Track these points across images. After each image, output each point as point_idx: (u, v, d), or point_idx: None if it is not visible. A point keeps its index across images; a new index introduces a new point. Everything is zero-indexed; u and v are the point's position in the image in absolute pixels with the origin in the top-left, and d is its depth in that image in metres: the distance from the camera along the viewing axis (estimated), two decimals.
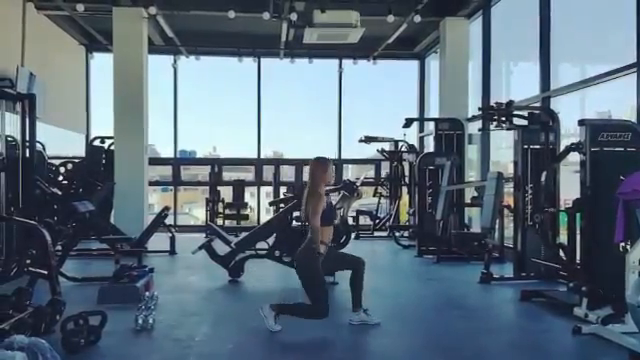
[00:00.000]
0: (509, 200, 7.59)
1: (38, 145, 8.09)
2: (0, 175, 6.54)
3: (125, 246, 7.86)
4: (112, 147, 10.14)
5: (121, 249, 7.67)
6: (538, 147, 6.92)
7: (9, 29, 8.86)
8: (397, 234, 10.43)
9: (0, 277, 5.73)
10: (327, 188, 4.92)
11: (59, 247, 6.27)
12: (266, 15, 9.46)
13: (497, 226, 7.58)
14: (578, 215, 5.22)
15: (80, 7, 9.23)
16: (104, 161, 10.45)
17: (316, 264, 4.65)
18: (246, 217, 12.23)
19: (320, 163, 4.86)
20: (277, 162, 12.96)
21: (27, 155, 6.90)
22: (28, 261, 5.42)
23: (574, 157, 5.50)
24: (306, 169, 13.12)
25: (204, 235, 9.46)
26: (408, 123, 10.28)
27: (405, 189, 11.44)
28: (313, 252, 4.61)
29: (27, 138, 6.90)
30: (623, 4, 6.75)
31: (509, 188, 7.59)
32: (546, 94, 7.88)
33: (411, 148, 11.37)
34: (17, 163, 6.81)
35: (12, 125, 6.86)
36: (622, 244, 4.42)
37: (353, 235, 9.38)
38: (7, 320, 3.96)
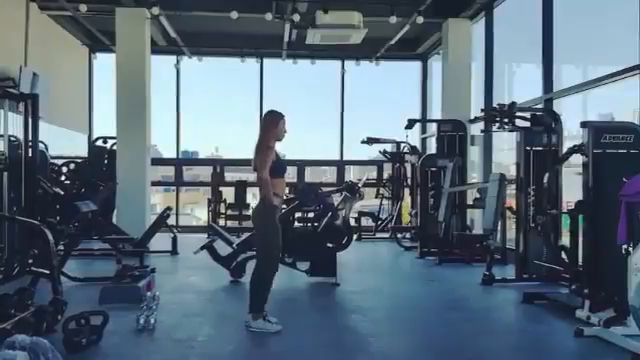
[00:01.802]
0: (511, 202, 7.58)
1: (41, 145, 8.09)
2: (3, 175, 6.54)
3: (127, 246, 7.86)
4: (114, 147, 10.15)
5: (123, 249, 7.68)
6: (540, 149, 6.91)
7: (12, 29, 8.87)
8: (399, 235, 10.42)
9: (2, 276, 5.73)
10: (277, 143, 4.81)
11: (61, 247, 6.28)
12: (269, 16, 9.47)
13: (499, 228, 7.57)
14: (580, 217, 5.20)
15: (83, 7, 9.24)
16: (106, 161, 10.45)
17: (271, 217, 4.62)
18: (248, 218, 12.22)
19: (272, 117, 4.81)
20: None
21: (30, 155, 6.90)
22: (30, 261, 5.43)
23: (577, 159, 5.49)
24: (308, 169, 13.23)
25: (206, 235, 9.47)
26: (410, 124, 10.27)
27: (407, 190, 11.43)
28: (267, 205, 4.58)
29: (30, 138, 6.90)
30: (626, 5, 6.74)
31: (511, 190, 7.57)
32: (549, 96, 7.87)
33: (413, 149, 11.35)
34: (20, 163, 6.82)
35: (15, 125, 6.87)
36: (625, 246, 4.40)
37: (355, 236, 9.37)
38: (9, 319, 3.97)
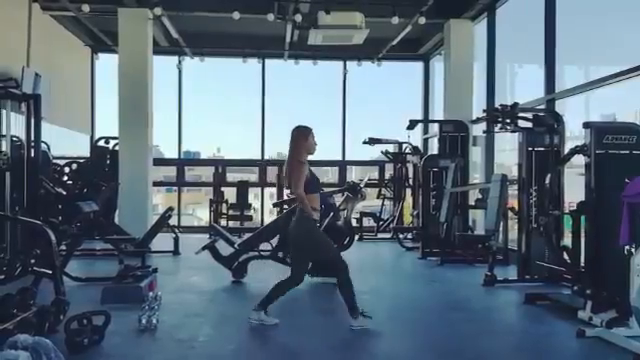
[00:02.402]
0: (513, 202, 7.57)
1: (43, 145, 8.11)
2: (5, 175, 6.56)
3: (129, 246, 7.87)
4: (117, 147, 10.17)
5: (125, 249, 7.70)
6: (543, 149, 6.91)
7: (15, 29, 8.89)
8: (401, 236, 10.42)
9: (5, 276, 5.74)
10: (309, 159, 4.80)
11: (63, 247, 6.30)
12: (271, 16, 9.48)
13: (501, 228, 7.56)
14: (583, 218, 5.20)
15: (85, 8, 9.26)
16: (109, 161, 10.47)
17: (316, 230, 4.69)
18: (250, 218, 12.23)
19: (300, 131, 4.79)
20: (281, 163, 12.91)
21: (32, 155, 6.91)
22: (32, 261, 5.44)
23: (579, 160, 5.48)
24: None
25: (208, 236, 9.47)
26: (412, 125, 10.27)
27: (409, 191, 11.42)
28: (308, 220, 4.61)
29: (32, 138, 6.91)
30: (629, 5, 6.74)
31: (513, 190, 7.57)
32: (551, 96, 7.86)
33: (415, 150, 11.34)
34: (22, 163, 6.82)
35: (17, 125, 6.88)
36: (627, 247, 4.40)
37: (357, 237, 9.37)
38: (11, 319, 3.97)
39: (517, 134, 7.04)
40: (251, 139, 13.08)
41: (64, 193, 8.80)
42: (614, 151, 4.98)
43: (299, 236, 4.74)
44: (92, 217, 6.81)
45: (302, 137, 4.75)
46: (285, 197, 11.21)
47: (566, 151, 6.30)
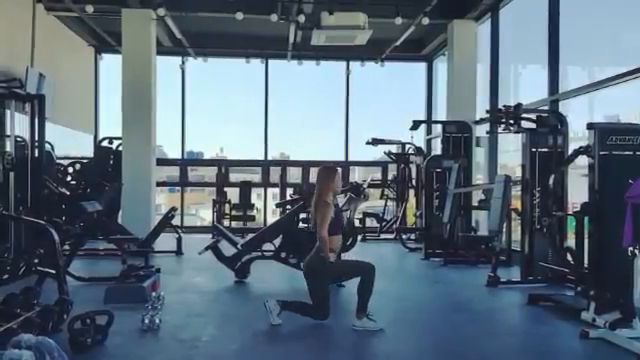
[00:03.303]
0: (517, 203, 7.56)
1: (47, 145, 8.14)
2: (9, 175, 6.58)
3: (132, 246, 7.89)
4: (120, 148, 10.19)
5: (128, 249, 7.71)
6: (546, 150, 6.89)
7: (19, 30, 8.92)
8: (404, 237, 10.40)
9: (8, 276, 5.76)
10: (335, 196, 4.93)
11: (67, 247, 6.31)
12: (274, 17, 9.48)
13: (504, 229, 7.54)
14: (586, 219, 5.19)
15: (89, 8, 9.28)
16: (112, 162, 10.49)
17: (324, 273, 4.74)
18: (252, 218, 12.24)
19: (328, 171, 4.87)
20: (284, 164, 12.98)
21: (36, 155, 6.95)
22: (36, 260, 5.45)
23: (582, 160, 5.47)
24: (313, 170, 13.21)
25: (211, 236, 9.48)
26: (415, 125, 10.26)
27: (412, 191, 11.42)
28: (323, 260, 4.67)
29: (36, 138, 6.94)
30: (632, 6, 6.72)
31: (517, 191, 7.56)
32: (554, 97, 7.84)
33: (418, 150, 11.35)
34: (26, 163, 6.86)
35: (21, 125, 6.91)
36: (630, 248, 4.39)
37: (359, 237, 9.36)
38: (15, 319, 3.98)
39: (520, 135, 7.04)
40: (254, 139, 13.11)
41: (68, 193, 8.83)
42: (618, 152, 4.96)
43: (314, 273, 4.81)
44: (95, 217, 6.82)
45: (329, 178, 4.82)
46: (288, 197, 11.22)
47: (570, 152, 6.30)
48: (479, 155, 10.25)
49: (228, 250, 7.18)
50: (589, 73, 7.81)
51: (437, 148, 11.80)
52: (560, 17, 7.80)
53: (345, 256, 7.11)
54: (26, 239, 6.47)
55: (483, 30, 10.39)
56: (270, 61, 13.02)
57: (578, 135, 7.02)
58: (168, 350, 4.20)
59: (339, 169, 4.97)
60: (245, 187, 12.36)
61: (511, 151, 9.32)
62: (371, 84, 13.77)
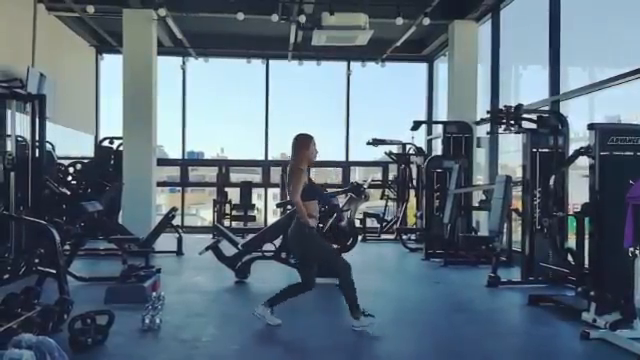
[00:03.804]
0: (517, 204, 7.56)
1: (48, 145, 8.13)
2: (10, 175, 6.59)
3: (133, 246, 7.88)
4: (121, 148, 10.19)
5: (129, 249, 7.70)
6: (547, 151, 6.89)
7: (20, 30, 8.93)
8: (404, 237, 10.40)
9: (9, 276, 5.76)
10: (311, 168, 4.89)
11: (67, 247, 6.31)
12: (275, 17, 9.48)
13: (505, 230, 7.54)
14: (587, 219, 5.18)
15: (90, 9, 9.29)
16: (113, 162, 10.50)
17: (312, 236, 4.73)
18: (253, 218, 12.24)
19: (304, 139, 4.85)
20: (284, 164, 12.94)
21: (37, 155, 6.95)
22: (37, 260, 5.46)
23: (583, 161, 5.47)
24: (313, 170, 13.22)
25: (211, 236, 9.48)
26: (416, 126, 10.26)
27: (413, 192, 11.42)
28: (304, 227, 4.66)
29: (37, 138, 6.95)
30: (633, 6, 6.71)
31: (517, 192, 7.55)
32: (555, 97, 7.84)
33: (419, 151, 11.35)
34: (27, 163, 6.86)
35: (22, 125, 6.91)
36: (631, 249, 4.39)
37: (360, 238, 9.36)
38: (15, 318, 3.98)
39: (521, 135, 7.04)
40: (255, 140, 13.10)
41: (68, 193, 8.84)
42: (619, 153, 4.96)
43: (298, 243, 4.83)
44: (96, 217, 6.82)
45: (304, 146, 4.81)
46: (288, 197, 11.21)
47: (570, 152, 6.30)
48: (480, 155, 10.25)
49: (228, 250, 7.18)
50: (590, 73, 7.81)
51: (438, 148, 11.79)
52: (561, 17, 7.79)
53: (345, 256, 7.12)
54: (27, 239, 6.47)
55: (484, 30, 10.39)
56: (271, 61, 13.02)
57: (579, 135, 7.02)
58: (168, 350, 4.21)
59: (313, 136, 4.87)
60: (246, 187, 12.36)
61: (512, 151, 9.33)
62: (372, 84, 13.77)
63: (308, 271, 4.86)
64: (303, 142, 4.83)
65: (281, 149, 13.76)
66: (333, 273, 4.82)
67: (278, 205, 10.98)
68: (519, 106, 6.82)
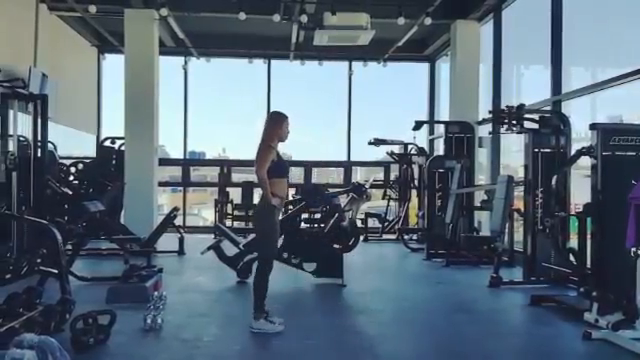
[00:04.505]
0: (519, 204, 7.55)
1: (49, 145, 8.16)
2: (12, 174, 6.60)
3: (134, 246, 7.90)
4: (122, 148, 10.20)
5: (130, 249, 7.72)
6: (549, 151, 6.89)
7: (22, 30, 8.94)
8: (406, 237, 10.39)
9: (11, 275, 5.77)
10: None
11: (69, 246, 6.32)
12: (277, 17, 9.48)
13: (507, 230, 7.54)
14: (589, 220, 5.18)
15: (92, 8, 9.29)
16: (114, 161, 10.51)
17: (269, 216, 4.64)
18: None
19: (277, 116, 4.84)
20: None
21: (39, 155, 6.97)
22: (39, 260, 5.46)
23: (585, 161, 5.47)
24: (315, 170, 13.23)
25: (213, 236, 9.49)
26: (418, 126, 10.26)
27: (414, 192, 11.41)
28: (266, 204, 4.61)
29: (39, 138, 6.97)
30: (636, 5, 6.70)
31: (519, 192, 7.54)
32: (557, 97, 7.83)
33: (421, 151, 11.34)
34: (29, 163, 6.88)
35: (24, 125, 6.93)
36: (633, 249, 4.38)
37: (362, 238, 9.36)
38: (17, 318, 3.99)
39: (523, 135, 7.03)
40: (256, 140, 13.05)
41: (70, 193, 8.86)
42: (621, 153, 4.97)
43: (254, 219, 4.73)
44: (98, 217, 6.82)
45: (277, 123, 4.80)
46: (290, 197, 11.20)
47: (572, 152, 6.29)
48: (481, 155, 10.24)
49: (230, 250, 7.19)
50: (592, 73, 7.80)
51: (439, 148, 11.78)
52: (563, 17, 7.78)
53: (347, 256, 7.12)
54: (29, 238, 6.49)
55: (486, 30, 10.38)
56: (272, 61, 13.02)
57: (581, 135, 7.01)
58: (170, 350, 4.21)
59: (288, 116, 4.85)
60: (247, 187, 12.36)
61: (514, 151, 9.32)
62: (374, 84, 13.77)
63: (267, 247, 4.67)
64: (277, 119, 4.81)
65: (282, 149, 13.69)
66: (258, 264, 4.67)
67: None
68: (521, 106, 6.81)
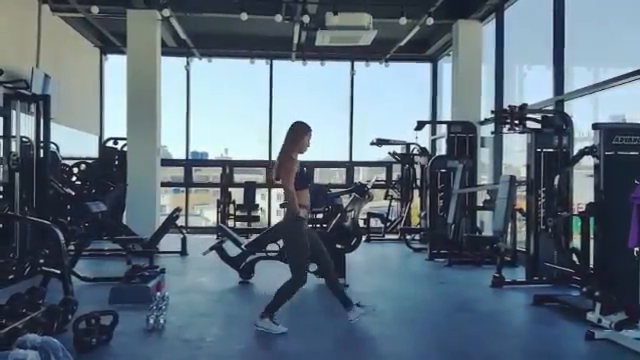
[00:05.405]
0: (522, 204, 7.54)
1: (52, 146, 8.17)
2: (15, 175, 6.61)
3: (137, 246, 7.90)
4: (125, 148, 10.22)
5: (133, 249, 7.72)
6: (551, 150, 6.88)
7: (25, 31, 8.96)
8: (408, 237, 10.39)
9: (14, 276, 5.78)
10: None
11: (72, 247, 6.33)
12: (278, 17, 9.49)
13: (509, 230, 7.53)
14: (592, 219, 5.17)
15: (95, 9, 9.31)
16: (117, 162, 10.53)
17: (300, 228, 4.60)
18: (257, 219, 12.25)
19: (300, 127, 4.75)
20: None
21: (41, 155, 6.98)
22: (41, 260, 5.47)
23: (588, 161, 5.45)
24: (317, 170, 13.22)
25: (215, 236, 9.49)
26: (420, 126, 10.25)
27: (417, 192, 11.41)
28: (294, 216, 4.58)
29: (41, 139, 6.98)
30: (638, 5, 6.69)
31: (522, 192, 7.53)
32: (560, 97, 7.82)
33: (423, 151, 11.33)
34: (31, 163, 6.89)
35: (27, 126, 6.93)
36: (636, 249, 4.37)
37: (364, 238, 9.36)
38: (20, 319, 4.00)
39: (526, 135, 7.01)
40: (258, 140, 13.11)
41: (73, 193, 8.87)
42: (623, 152, 4.95)
43: (286, 232, 4.72)
44: (100, 217, 6.84)
45: (300, 134, 4.72)
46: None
47: (575, 152, 6.28)
48: (484, 155, 10.23)
49: (232, 250, 7.19)
50: (594, 73, 7.79)
51: (442, 148, 11.76)
52: (565, 17, 7.77)
53: (349, 257, 7.12)
54: (31, 239, 6.49)
55: (488, 30, 10.37)
56: (274, 61, 13.03)
57: (583, 135, 7.00)
58: (173, 350, 4.21)
59: (311, 128, 4.76)
60: (249, 187, 12.37)
61: (516, 151, 9.31)
62: (375, 84, 13.76)
63: (299, 264, 4.67)
64: (300, 131, 4.73)
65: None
66: (292, 264, 4.67)
67: (282, 205, 10.96)
68: (523, 106, 6.80)
